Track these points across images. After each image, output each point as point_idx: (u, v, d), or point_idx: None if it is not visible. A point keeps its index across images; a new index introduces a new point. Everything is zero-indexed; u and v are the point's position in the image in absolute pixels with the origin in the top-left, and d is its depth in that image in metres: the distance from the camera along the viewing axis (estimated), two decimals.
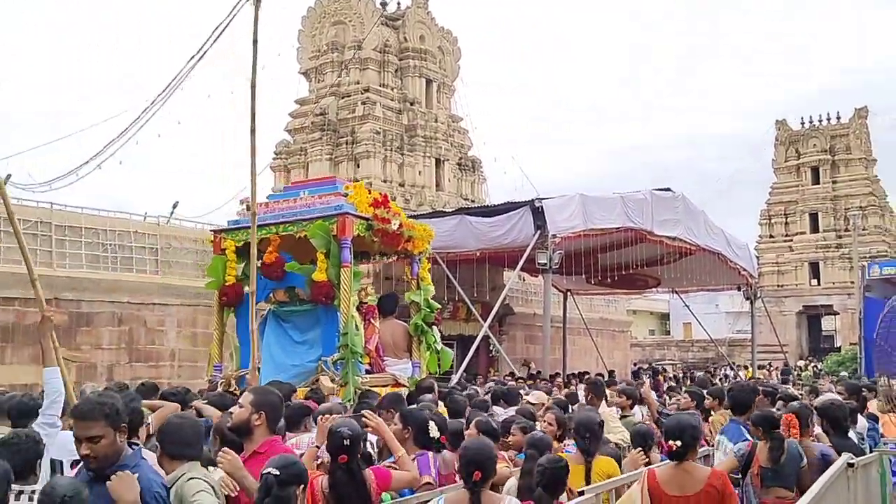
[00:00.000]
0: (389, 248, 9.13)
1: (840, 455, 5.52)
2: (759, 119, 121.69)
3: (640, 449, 5.58)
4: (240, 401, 4.09)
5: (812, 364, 33.51)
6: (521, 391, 9.96)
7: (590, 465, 4.96)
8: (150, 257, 16.09)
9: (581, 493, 4.38)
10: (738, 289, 24.26)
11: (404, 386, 8.33)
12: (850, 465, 5.40)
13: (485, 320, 16.88)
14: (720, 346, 33.51)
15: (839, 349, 36.83)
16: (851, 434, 6.53)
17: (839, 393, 9.24)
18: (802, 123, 45.29)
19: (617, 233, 17.25)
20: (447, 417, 5.83)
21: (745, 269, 22.31)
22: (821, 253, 42.47)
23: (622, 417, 7.83)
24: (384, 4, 26.12)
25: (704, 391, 9.25)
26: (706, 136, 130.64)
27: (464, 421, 5.97)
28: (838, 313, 41.32)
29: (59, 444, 4.42)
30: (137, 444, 3.41)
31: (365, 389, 7.47)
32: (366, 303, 8.56)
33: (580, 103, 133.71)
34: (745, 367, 28.33)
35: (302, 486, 3.48)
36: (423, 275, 9.23)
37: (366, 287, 8.80)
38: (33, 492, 3.79)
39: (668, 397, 12.10)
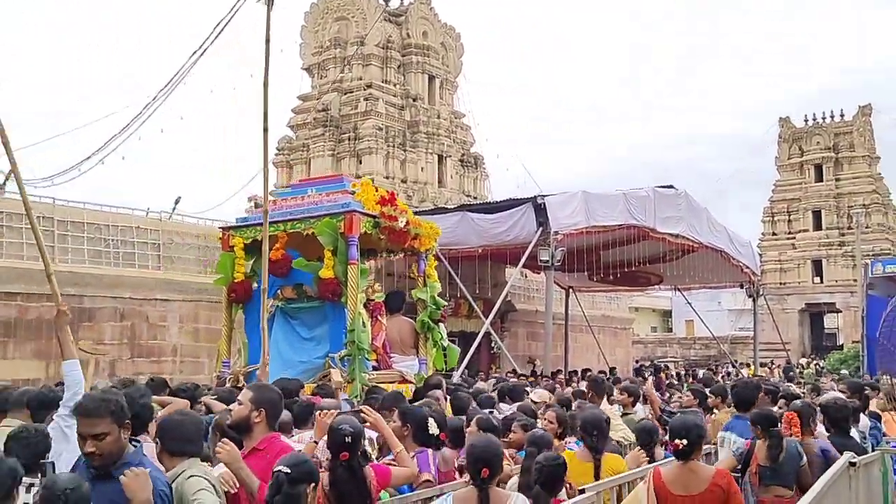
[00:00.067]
0: (396, 245, 9.18)
1: (841, 453, 5.50)
2: (760, 119, 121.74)
3: (640, 447, 5.58)
4: (239, 398, 4.09)
5: (814, 362, 33.50)
6: (527, 388, 9.98)
7: (598, 462, 4.96)
8: (153, 253, 16.08)
9: (582, 492, 4.37)
10: (741, 286, 24.22)
11: (411, 382, 8.38)
12: (852, 464, 5.39)
13: (486, 317, 16.87)
14: (722, 343, 33.49)
15: (841, 347, 36.83)
16: (853, 433, 6.52)
17: (841, 391, 9.24)
18: (806, 121, 45.23)
19: (619, 230, 17.24)
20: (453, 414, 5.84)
21: (747, 267, 22.28)
22: (824, 251, 42.43)
23: (623, 415, 7.83)
24: (387, 0, 26.09)
25: (707, 389, 9.25)
26: (706, 136, 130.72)
27: (464, 418, 5.96)
28: (841, 311, 41.31)
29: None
30: (138, 441, 3.40)
31: (372, 386, 7.51)
32: (373, 300, 8.61)
33: (580, 103, 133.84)
34: (747, 365, 28.30)
35: (312, 484, 3.47)
36: (430, 272, 9.30)
37: (373, 284, 8.84)
38: None
39: (668, 394, 12.10)
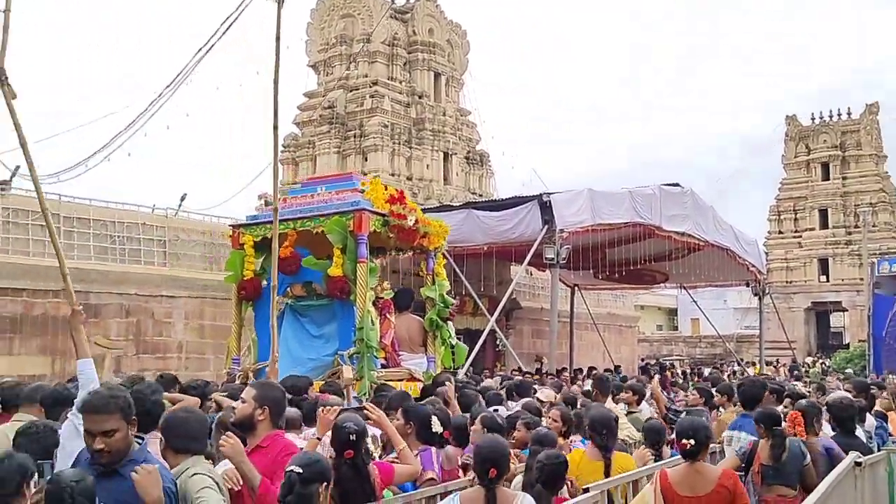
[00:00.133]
0: (405, 243, 9.22)
1: (847, 453, 5.48)
2: (759, 119, 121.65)
3: (649, 446, 5.57)
4: (242, 396, 4.09)
5: (820, 361, 33.42)
6: (536, 386, 9.99)
7: (609, 461, 4.94)
8: (158, 249, 16.11)
9: (586, 490, 4.36)
10: (747, 285, 24.17)
11: (419, 380, 8.43)
12: (858, 463, 5.37)
13: (491, 314, 16.86)
14: (728, 342, 33.44)
15: (847, 346, 36.72)
16: (859, 432, 6.50)
17: (847, 391, 9.20)
18: (813, 119, 45.06)
19: (625, 228, 17.21)
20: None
21: (753, 265, 22.23)
22: (830, 249, 42.30)
23: (628, 413, 7.82)
24: None
25: (714, 388, 9.23)
26: (706, 136, 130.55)
27: (468, 416, 5.96)
28: (847, 310, 41.19)
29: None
30: (142, 438, 3.40)
31: (380, 384, 7.55)
32: (382, 297, 8.65)
33: (580, 103, 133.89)
34: (753, 364, 28.25)
35: (325, 483, 3.45)
36: (439, 270, 9.34)
37: (381, 282, 8.87)
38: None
39: (672, 394, 12.08)
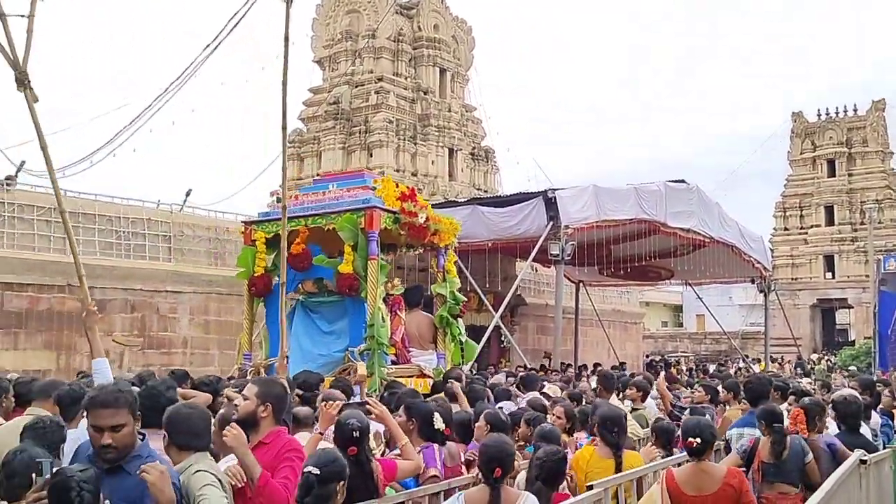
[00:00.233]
0: (416, 240, 9.28)
1: (852, 451, 5.47)
2: (759, 119, 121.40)
3: (659, 447, 5.58)
4: (244, 393, 4.08)
5: (825, 358, 33.37)
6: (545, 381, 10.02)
7: (620, 459, 4.93)
8: (163, 245, 16.13)
9: (590, 488, 4.36)
10: (752, 281, 24.12)
11: (429, 377, 8.46)
12: (863, 462, 5.35)
13: (496, 311, 16.85)
14: (733, 338, 33.40)
15: (853, 343, 36.68)
16: (864, 430, 6.48)
17: (852, 388, 9.18)
18: (819, 116, 44.94)
19: (630, 224, 17.16)
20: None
21: (759, 262, 22.18)
22: (836, 246, 42.21)
23: (633, 410, 7.82)
24: None
25: (719, 385, 9.21)
26: (705, 136, 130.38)
27: (471, 412, 5.96)
28: (853, 307, 41.11)
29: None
30: (143, 434, 3.39)
31: (391, 380, 7.57)
32: (392, 294, 8.67)
33: (579, 104, 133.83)
34: (758, 360, 28.22)
35: (342, 482, 3.42)
36: (449, 267, 9.39)
37: (392, 279, 8.90)
38: None
39: (676, 391, 12.05)
